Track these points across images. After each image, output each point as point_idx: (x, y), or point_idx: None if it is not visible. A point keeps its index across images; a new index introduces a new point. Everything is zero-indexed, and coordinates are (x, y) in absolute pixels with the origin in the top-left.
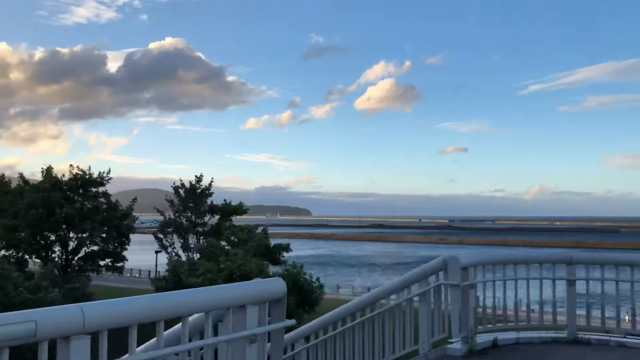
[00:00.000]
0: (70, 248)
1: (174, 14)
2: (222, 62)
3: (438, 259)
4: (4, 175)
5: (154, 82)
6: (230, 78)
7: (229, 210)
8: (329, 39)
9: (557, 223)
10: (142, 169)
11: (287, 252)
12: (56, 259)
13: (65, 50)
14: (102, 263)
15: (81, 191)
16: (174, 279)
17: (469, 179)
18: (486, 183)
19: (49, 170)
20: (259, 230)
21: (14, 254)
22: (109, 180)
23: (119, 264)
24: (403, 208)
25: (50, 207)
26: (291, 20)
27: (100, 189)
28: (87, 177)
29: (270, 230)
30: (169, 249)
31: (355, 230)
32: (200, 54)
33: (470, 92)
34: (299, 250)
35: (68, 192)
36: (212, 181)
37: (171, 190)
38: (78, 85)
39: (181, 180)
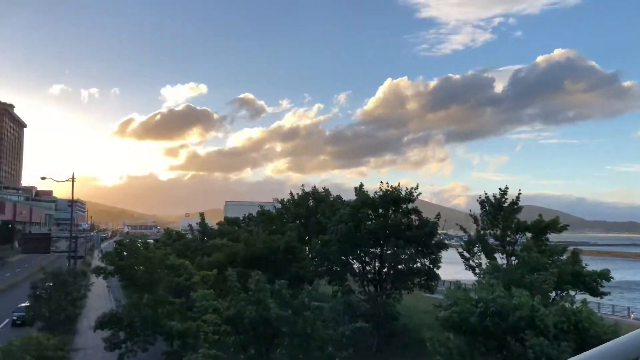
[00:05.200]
0: (379, 265)
1: (556, 24)
2: (619, 67)
3: None
4: (324, 190)
5: (538, 97)
6: (626, 83)
7: (539, 227)
8: None
9: None
10: (517, 186)
11: (608, 280)
12: (369, 275)
13: (457, 77)
14: (415, 281)
15: (392, 208)
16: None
17: None
18: None
19: (360, 187)
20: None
21: (328, 267)
22: (418, 196)
23: (432, 282)
24: None
25: (358, 222)
26: None
27: (410, 206)
28: (396, 194)
29: None
30: (477, 270)
31: None
32: (593, 62)
33: None
34: None
35: (380, 209)
36: (519, 194)
37: (545, 206)
38: (464, 108)
39: (485, 194)
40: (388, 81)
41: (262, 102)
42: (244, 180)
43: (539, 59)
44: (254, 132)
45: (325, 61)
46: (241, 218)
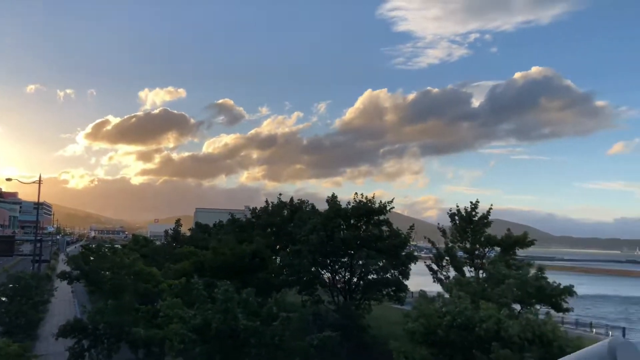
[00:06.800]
0: (349, 275)
1: (532, 42)
2: (593, 86)
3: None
4: (300, 201)
5: (514, 113)
6: (599, 102)
7: (508, 241)
8: None
9: None
10: (489, 200)
11: (571, 295)
12: (338, 285)
13: (435, 90)
14: (384, 292)
15: (365, 219)
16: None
17: None
18: None
19: (333, 198)
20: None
21: (298, 277)
22: (391, 209)
23: (401, 294)
24: None
25: (330, 232)
26: None
27: (381, 217)
28: (370, 205)
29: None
30: (445, 283)
31: None
32: (568, 81)
33: None
34: None
35: (352, 220)
36: (490, 208)
37: (515, 221)
38: (441, 122)
39: (457, 206)
40: (368, 92)
41: (241, 109)
42: (218, 187)
43: (517, 75)
44: (231, 139)
45: (306, 69)
46: (212, 225)
